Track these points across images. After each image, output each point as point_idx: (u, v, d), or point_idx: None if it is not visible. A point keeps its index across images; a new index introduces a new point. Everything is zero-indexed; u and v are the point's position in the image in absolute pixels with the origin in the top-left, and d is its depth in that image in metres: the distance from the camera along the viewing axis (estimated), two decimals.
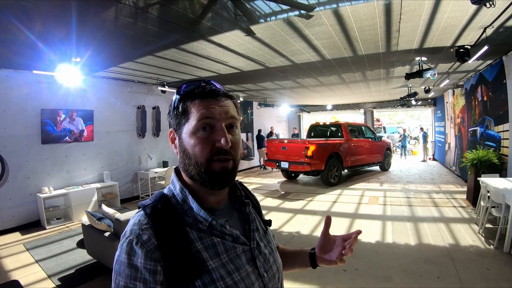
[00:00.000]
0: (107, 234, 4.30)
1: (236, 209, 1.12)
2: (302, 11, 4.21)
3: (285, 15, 4.38)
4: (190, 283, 0.85)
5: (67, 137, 7.69)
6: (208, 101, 0.95)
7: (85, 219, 4.82)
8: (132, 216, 0.98)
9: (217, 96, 0.97)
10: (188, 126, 0.95)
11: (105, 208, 4.80)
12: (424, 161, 17.15)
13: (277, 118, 19.58)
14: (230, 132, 0.97)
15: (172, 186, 1.04)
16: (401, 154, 19.15)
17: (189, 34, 4.97)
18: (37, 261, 5.03)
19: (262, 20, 4.53)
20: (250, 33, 4.97)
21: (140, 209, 0.97)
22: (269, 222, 1.22)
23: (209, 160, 0.93)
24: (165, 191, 1.04)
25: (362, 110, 19.48)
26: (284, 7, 4.15)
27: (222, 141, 0.92)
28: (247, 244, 1.02)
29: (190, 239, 0.91)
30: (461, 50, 5.83)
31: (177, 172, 1.05)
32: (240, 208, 1.12)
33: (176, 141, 1.01)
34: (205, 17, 4.32)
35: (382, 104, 18.44)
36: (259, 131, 15.63)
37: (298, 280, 4.18)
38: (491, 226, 5.68)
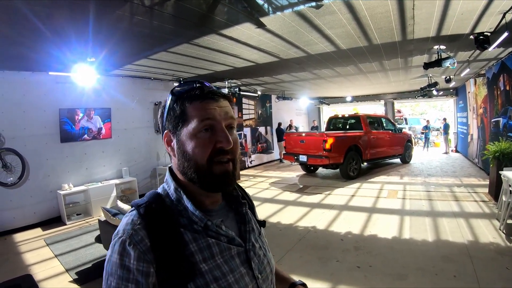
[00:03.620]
0: None
1: (232, 209, 1.11)
2: (312, 2, 4.11)
3: (294, 7, 4.29)
4: (183, 286, 0.84)
5: (85, 135, 7.87)
6: (207, 103, 0.95)
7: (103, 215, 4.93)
8: (125, 215, 0.96)
9: (215, 96, 0.97)
10: (188, 128, 0.93)
11: (120, 204, 4.87)
12: (446, 153, 16.65)
13: (297, 111, 19.40)
14: (229, 133, 0.96)
15: (167, 185, 1.02)
16: (424, 146, 18.58)
17: (200, 29, 4.95)
18: (56, 256, 5.18)
19: (271, 12, 4.45)
20: (260, 25, 4.89)
21: (133, 208, 0.95)
22: (263, 223, 1.21)
23: (209, 161, 0.92)
24: (159, 190, 1.02)
25: (382, 102, 19.03)
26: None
27: (224, 142, 0.93)
28: (242, 246, 1.01)
29: (184, 241, 0.89)
30: (481, 37, 5.57)
31: (171, 170, 1.04)
32: (236, 208, 1.10)
33: (173, 144, 0.98)
34: (214, 12, 4.28)
35: (403, 95, 17.97)
36: (279, 124, 15.50)
37: (311, 276, 4.13)
38: None
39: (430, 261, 4.36)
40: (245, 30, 5.11)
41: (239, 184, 1.22)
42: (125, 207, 4.69)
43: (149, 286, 0.82)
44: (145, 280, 0.82)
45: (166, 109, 0.98)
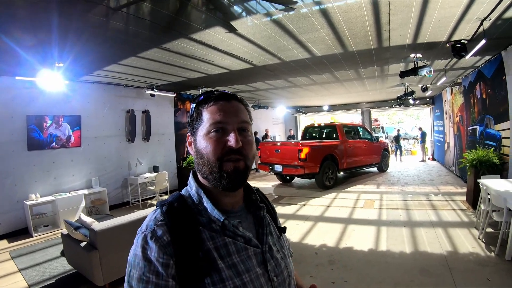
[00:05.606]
0: (83, 244, 4.16)
1: (251, 212, 1.14)
2: (283, 8, 4.01)
3: (264, 10, 4.16)
4: (199, 280, 0.88)
5: (53, 143, 7.61)
6: (220, 104, 1.01)
7: None
8: (150, 213, 1.02)
9: (228, 98, 1.03)
10: (202, 129, 1.00)
11: (83, 217, 4.61)
12: (423, 161, 16.95)
13: (273, 120, 19.39)
14: (242, 135, 1.01)
15: (189, 187, 1.08)
16: (396, 155, 18.58)
17: (169, 33, 4.80)
18: (20, 270, 4.95)
19: (241, 16, 4.30)
20: (231, 29, 4.74)
21: (157, 206, 1.01)
22: (283, 229, 1.24)
23: (220, 159, 0.96)
24: (182, 191, 1.09)
25: (359, 110, 19.21)
26: (263, 2, 3.94)
27: (232, 141, 0.96)
28: (259, 247, 1.04)
29: (202, 238, 0.94)
30: (457, 45, 5.56)
31: (194, 174, 1.09)
32: (255, 212, 1.14)
33: (193, 145, 1.05)
34: (182, 14, 4.13)
35: (380, 104, 18.17)
36: (255, 133, 15.45)
37: None
38: (492, 230, 5.40)
39: (407, 275, 4.20)
40: (215, 34, 4.96)
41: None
42: (88, 220, 4.44)
43: (168, 277, 0.85)
44: (165, 271, 0.85)
45: (189, 116, 1.07)
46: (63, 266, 4.96)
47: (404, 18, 4.51)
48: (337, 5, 4.02)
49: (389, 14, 4.33)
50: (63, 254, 5.24)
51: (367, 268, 4.49)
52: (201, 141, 0.99)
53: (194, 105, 1.05)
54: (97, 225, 4.13)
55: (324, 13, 4.30)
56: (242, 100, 1.08)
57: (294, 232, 6.17)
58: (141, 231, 0.93)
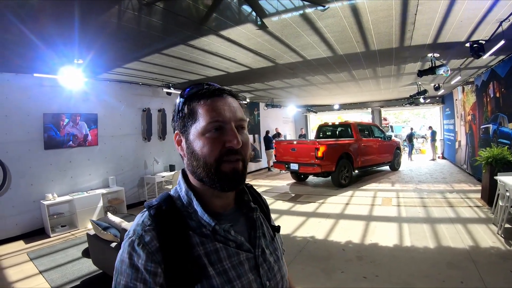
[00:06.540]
0: (113, 244, 4.09)
1: (243, 214, 1.10)
2: (316, 4, 4.04)
3: (299, 10, 4.23)
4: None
5: (70, 142, 7.55)
6: (215, 101, 0.95)
7: (90, 227, 4.63)
8: (138, 215, 0.98)
9: (222, 94, 0.98)
10: (196, 127, 0.94)
11: (111, 216, 4.58)
12: (433, 159, 16.89)
13: (284, 118, 19.40)
14: (239, 133, 0.96)
15: (179, 187, 1.03)
16: (409, 154, 18.41)
17: (198, 28, 4.74)
18: (41, 272, 4.83)
19: (273, 12, 4.33)
20: (262, 27, 4.76)
21: (145, 209, 0.97)
22: (277, 228, 1.21)
23: (218, 160, 0.92)
24: (172, 192, 1.04)
25: (369, 109, 19.17)
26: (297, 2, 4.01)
27: (234, 141, 0.92)
28: (251, 251, 1.01)
29: (192, 244, 0.90)
30: (475, 45, 5.67)
31: (184, 174, 1.04)
32: (247, 213, 1.10)
33: (183, 144, 0.99)
34: (215, 10, 4.13)
35: (390, 103, 18.15)
36: (267, 132, 15.52)
37: None
38: (510, 226, 5.51)
39: (435, 268, 4.32)
40: (245, 31, 4.97)
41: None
42: (116, 219, 4.41)
43: (156, 285, 0.83)
44: (153, 279, 0.83)
45: (176, 111, 1.00)
46: (86, 267, 4.89)
47: (429, 18, 4.58)
48: (369, 5, 4.10)
49: (415, 14, 4.40)
50: (84, 254, 5.18)
51: (395, 262, 4.59)
52: (196, 141, 0.94)
53: (183, 99, 0.99)
54: (128, 225, 4.06)
55: (355, 12, 4.36)
56: (237, 96, 1.04)
57: (317, 229, 6.24)
58: (128, 236, 0.90)
